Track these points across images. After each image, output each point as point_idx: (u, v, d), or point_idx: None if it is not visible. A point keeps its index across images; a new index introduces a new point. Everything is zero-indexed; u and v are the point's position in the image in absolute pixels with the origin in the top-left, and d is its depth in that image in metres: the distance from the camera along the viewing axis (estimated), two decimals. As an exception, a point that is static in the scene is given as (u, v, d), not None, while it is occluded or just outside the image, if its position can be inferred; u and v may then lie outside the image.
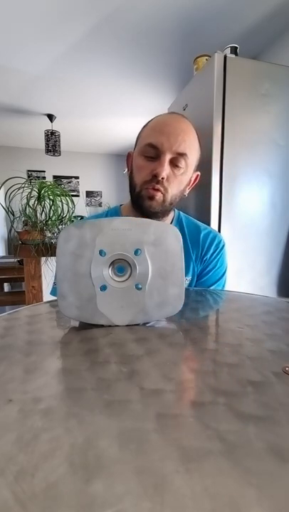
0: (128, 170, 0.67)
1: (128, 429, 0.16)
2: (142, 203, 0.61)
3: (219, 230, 1.34)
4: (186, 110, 1.54)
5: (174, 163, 0.58)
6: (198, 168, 0.66)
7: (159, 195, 0.60)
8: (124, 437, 0.16)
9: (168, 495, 0.12)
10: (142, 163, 0.60)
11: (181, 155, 0.58)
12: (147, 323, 0.34)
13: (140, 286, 0.33)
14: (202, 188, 1.39)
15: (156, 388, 0.20)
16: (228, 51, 1.41)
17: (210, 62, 1.30)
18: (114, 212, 0.74)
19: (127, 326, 0.33)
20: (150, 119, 0.64)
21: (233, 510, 0.12)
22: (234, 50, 1.41)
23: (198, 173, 0.67)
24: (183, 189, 0.64)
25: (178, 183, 0.61)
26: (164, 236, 0.34)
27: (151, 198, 0.60)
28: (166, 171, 0.57)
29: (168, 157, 0.57)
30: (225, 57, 1.25)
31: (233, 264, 1.37)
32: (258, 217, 1.39)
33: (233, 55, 1.37)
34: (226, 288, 0.73)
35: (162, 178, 0.57)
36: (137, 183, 0.61)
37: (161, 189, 0.59)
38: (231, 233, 1.35)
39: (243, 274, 1.40)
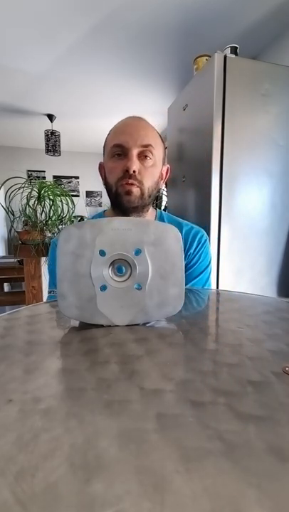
0: (103, 179, 0.70)
1: (128, 429, 0.16)
2: (120, 200, 0.64)
3: (219, 230, 1.34)
4: (186, 110, 1.54)
5: (141, 156, 0.62)
6: (165, 161, 0.71)
7: (135, 189, 0.63)
8: (124, 437, 0.16)
9: (168, 495, 0.12)
10: (112, 164, 0.64)
11: (147, 146, 0.62)
12: (147, 323, 0.34)
13: (140, 286, 0.33)
14: (202, 188, 1.39)
15: (156, 388, 0.20)
16: (228, 51, 1.41)
17: (210, 62, 1.30)
18: (99, 217, 0.77)
19: (127, 326, 0.33)
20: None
21: (233, 510, 0.12)
22: (234, 50, 1.41)
23: (168, 166, 0.72)
24: (156, 181, 0.67)
25: (150, 174, 0.64)
26: (164, 236, 0.34)
27: (128, 192, 0.63)
28: (135, 163, 0.61)
29: (135, 152, 0.61)
30: (225, 57, 1.25)
31: (233, 264, 1.38)
32: (258, 217, 1.39)
33: (233, 55, 1.37)
34: (225, 288, 0.74)
35: (134, 172, 0.61)
36: (112, 183, 0.65)
37: (136, 183, 0.62)
38: (231, 233, 1.35)
39: (243, 274, 1.40)
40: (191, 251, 0.71)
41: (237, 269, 1.39)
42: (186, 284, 0.66)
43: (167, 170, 0.72)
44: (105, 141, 0.69)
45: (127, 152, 0.61)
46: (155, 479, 0.13)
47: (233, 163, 1.31)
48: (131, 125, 0.64)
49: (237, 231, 1.36)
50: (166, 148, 0.71)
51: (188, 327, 0.33)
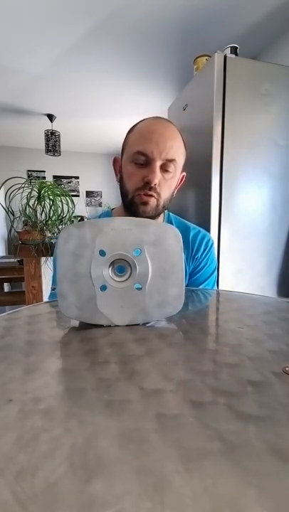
0: (117, 175, 0.68)
1: (128, 429, 0.16)
2: (135, 208, 0.62)
3: (219, 230, 1.34)
4: (186, 110, 1.54)
5: (163, 169, 0.60)
6: (184, 168, 0.68)
7: (152, 201, 0.61)
8: (124, 437, 0.16)
9: (168, 495, 0.12)
10: (133, 170, 0.61)
11: (170, 161, 0.60)
12: (147, 323, 0.34)
13: (140, 286, 0.33)
14: (202, 188, 1.39)
15: (156, 388, 0.20)
16: (228, 51, 1.41)
17: (210, 62, 1.30)
18: (106, 216, 0.76)
19: (127, 326, 0.33)
20: (135, 123, 0.65)
21: (233, 510, 0.12)
22: (234, 50, 1.41)
23: (184, 173, 0.70)
24: (173, 191, 0.66)
25: (168, 187, 0.63)
26: (164, 236, 0.34)
27: (145, 203, 0.61)
28: (158, 177, 0.59)
29: (158, 163, 0.59)
30: (225, 57, 1.25)
31: (233, 264, 1.38)
32: (258, 218, 1.39)
33: (233, 55, 1.37)
34: (225, 288, 0.74)
35: (154, 185, 0.59)
36: (129, 190, 0.63)
37: (154, 195, 0.61)
38: (231, 233, 1.35)
39: (243, 274, 1.40)
40: (198, 255, 0.71)
41: (237, 269, 1.39)
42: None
43: (182, 178, 0.70)
44: (126, 139, 0.65)
45: (150, 162, 0.59)
46: (155, 479, 0.13)
47: (233, 163, 1.31)
48: (158, 133, 0.59)
49: (237, 231, 1.36)
50: (187, 153, 0.67)
51: (188, 327, 0.33)
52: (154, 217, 0.64)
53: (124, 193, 0.65)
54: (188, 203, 1.54)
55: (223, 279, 1.36)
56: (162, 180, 0.61)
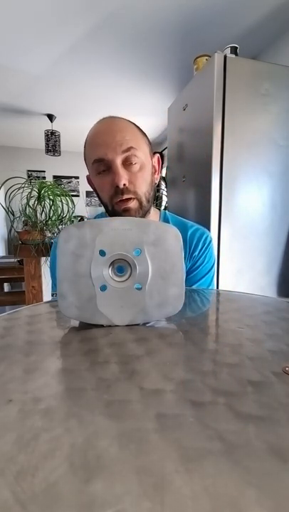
0: (94, 192, 0.66)
1: (128, 429, 0.16)
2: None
3: (219, 230, 1.34)
4: (186, 110, 1.55)
5: (127, 163, 0.57)
6: (152, 151, 0.65)
7: (132, 204, 0.58)
8: (124, 437, 0.16)
9: (168, 495, 0.12)
10: (100, 181, 0.59)
11: (128, 150, 0.56)
12: (147, 323, 0.34)
13: (140, 286, 0.33)
14: (202, 188, 1.39)
15: (156, 388, 0.20)
16: (228, 51, 1.41)
17: (210, 62, 1.30)
18: (102, 216, 0.74)
19: (127, 326, 0.33)
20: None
21: (233, 510, 0.12)
22: (234, 50, 1.41)
23: (158, 155, 0.66)
24: (151, 181, 0.62)
25: (142, 179, 0.59)
26: (164, 236, 0.34)
27: (126, 210, 0.58)
28: (123, 177, 0.56)
29: (118, 162, 0.56)
30: (225, 57, 1.25)
31: (233, 264, 1.38)
32: (257, 217, 1.39)
33: (233, 55, 1.37)
34: (225, 288, 0.74)
35: (124, 185, 0.56)
36: (106, 201, 0.60)
37: (130, 195, 0.58)
38: (231, 233, 1.35)
39: (243, 274, 1.40)
40: (196, 253, 0.69)
41: (237, 269, 1.39)
42: (190, 287, 0.66)
43: (158, 160, 0.65)
44: (84, 154, 0.63)
45: (110, 165, 0.56)
46: (155, 479, 0.13)
47: (233, 163, 1.31)
48: (104, 132, 0.57)
49: (237, 231, 1.36)
50: (150, 143, 0.64)
51: (189, 327, 0.33)
52: (143, 216, 0.62)
53: (105, 207, 0.63)
54: (189, 203, 1.54)
55: (223, 279, 1.36)
56: (131, 175, 0.57)
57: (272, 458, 0.14)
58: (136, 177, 0.58)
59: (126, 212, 0.59)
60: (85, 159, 0.64)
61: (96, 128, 0.60)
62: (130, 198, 0.58)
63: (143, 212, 0.61)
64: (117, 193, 0.57)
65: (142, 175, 0.59)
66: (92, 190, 0.68)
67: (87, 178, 0.67)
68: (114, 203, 0.59)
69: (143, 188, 0.59)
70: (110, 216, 0.63)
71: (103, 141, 0.56)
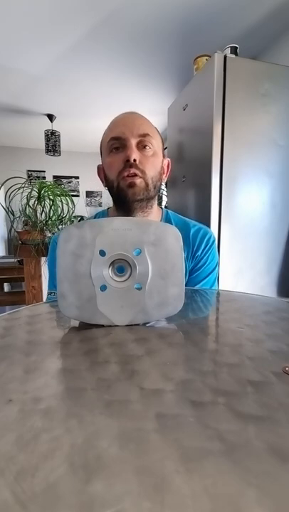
0: (103, 181, 0.68)
1: (128, 429, 0.16)
2: (124, 194, 0.60)
3: (219, 230, 1.34)
4: (186, 110, 1.55)
5: (140, 146, 0.60)
6: (165, 156, 0.68)
7: (139, 181, 0.60)
8: (124, 437, 0.16)
9: (168, 495, 0.12)
10: (112, 159, 0.61)
11: (145, 136, 0.60)
12: (147, 323, 0.34)
13: (140, 286, 0.33)
14: (202, 188, 1.39)
15: (156, 388, 0.20)
16: (228, 51, 1.41)
17: (210, 62, 1.30)
18: (102, 215, 0.75)
19: (127, 326, 0.33)
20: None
21: (233, 510, 0.12)
22: (234, 50, 1.42)
23: (169, 160, 0.69)
24: (159, 172, 0.64)
25: (152, 164, 0.61)
26: (164, 236, 0.34)
27: (132, 184, 0.60)
28: (135, 151, 0.59)
29: (133, 141, 0.59)
30: (225, 57, 1.25)
31: (233, 264, 1.38)
32: (257, 218, 1.39)
33: (233, 55, 1.37)
34: (225, 288, 0.73)
35: (134, 160, 0.58)
36: (113, 177, 0.62)
37: (138, 172, 0.59)
38: (231, 233, 1.35)
39: (243, 274, 1.40)
40: (199, 253, 0.68)
41: (237, 269, 1.39)
42: (192, 287, 0.66)
43: (168, 164, 0.69)
44: (101, 141, 0.66)
45: (125, 143, 0.59)
46: (155, 479, 0.13)
47: (233, 163, 1.31)
48: (126, 117, 0.62)
49: (237, 231, 1.36)
50: (164, 143, 0.68)
51: (189, 327, 0.33)
52: (146, 200, 0.62)
53: (110, 186, 0.64)
54: (189, 203, 1.54)
55: (223, 279, 1.36)
56: (143, 157, 0.60)
57: (272, 458, 0.14)
58: (147, 159, 0.61)
59: (131, 188, 0.60)
60: (101, 145, 0.67)
61: (119, 116, 0.64)
62: (137, 175, 0.60)
63: (147, 196, 0.62)
64: (125, 168, 0.59)
65: (153, 160, 0.62)
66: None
67: (97, 168, 0.69)
68: (120, 179, 0.60)
69: (151, 172, 0.61)
70: (114, 197, 0.64)
71: (123, 123, 0.61)
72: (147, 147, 0.60)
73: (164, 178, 0.68)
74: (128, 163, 0.58)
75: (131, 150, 0.58)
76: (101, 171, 0.68)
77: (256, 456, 0.15)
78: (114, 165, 0.61)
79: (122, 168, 0.60)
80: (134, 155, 0.58)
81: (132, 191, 0.60)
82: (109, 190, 0.65)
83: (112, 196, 0.66)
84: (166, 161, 0.68)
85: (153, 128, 0.63)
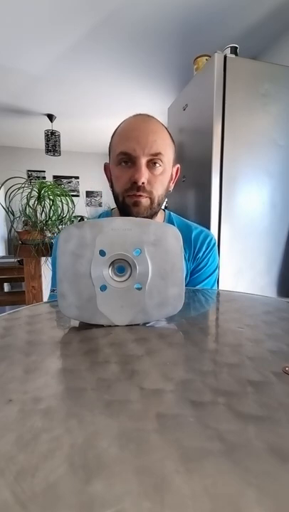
0: (108, 181, 0.67)
1: (128, 429, 0.16)
2: (129, 211, 0.61)
3: (219, 230, 1.34)
4: (186, 110, 1.55)
5: (150, 164, 0.58)
6: (176, 161, 0.67)
7: (144, 200, 0.59)
8: (124, 437, 0.16)
9: (168, 495, 0.12)
10: (119, 173, 0.60)
11: (156, 155, 0.57)
12: (147, 323, 0.34)
13: (140, 286, 0.33)
14: (202, 188, 1.39)
15: (156, 388, 0.20)
16: (228, 51, 1.41)
17: (210, 62, 1.30)
18: (106, 216, 0.75)
19: (127, 326, 0.33)
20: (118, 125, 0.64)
21: (233, 510, 0.12)
22: (234, 50, 1.41)
23: (178, 165, 0.68)
24: (166, 187, 0.64)
25: (160, 183, 0.60)
26: (164, 236, 0.34)
27: (137, 203, 0.59)
28: (144, 175, 0.57)
29: (143, 161, 0.57)
30: (225, 57, 1.25)
31: (233, 264, 1.38)
32: (257, 218, 1.39)
33: (233, 55, 1.37)
34: (225, 288, 0.74)
35: (142, 183, 0.57)
36: (119, 192, 0.61)
37: (145, 194, 0.59)
38: (231, 233, 1.35)
39: (243, 274, 1.40)
40: (200, 254, 0.69)
41: (237, 269, 1.39)
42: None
43: (177, 170, 0.68)
44: (110, 142, 0.64)
45: (135, 161, 0.57)
46: (155, 479, 0.13)
47: (233, 163, 1.31)
48: (138, 129, 0.58)
49: (237, 231, 1.36)
50: (176, 150, 0.65)
51: (189, 327, 0.33)
52: (150, 216, 0.62)
53: (115, 197, 0.64)
54: (189, 203, 1.54)
55: (223, 279, 1.36)
56: (151, 176, 0.58)
57: (272, 458, 0.14)
58: (155, 179, 0.59)
59: (136, 206, 0.60)
60: (110, 146, 0.64)
61: (131, 121, 0.61)
62: (143, 196, 0.59)
63: (151, 213, 0.62)
64: (132, 188, 0.58)
65: (162, 179, 0.60)
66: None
67: (104, 166, 0.68)
68: (126, 195, 0.60)
69: (159, 190, 0.61)
70: (119, 208, 0.64)
71: (135, 136, 0.57)
72: (157, 165, 0.58)
73: (172, 186, 0.67)
74: (135, 185, 0.57)
75: (140, 173, 0.56)
76: (108, 171, 0.67)
77: (256, 456, 0.15)
78: (121, 180, 0.60)
79: (128, 186, 0.59)
80: (143, 178, 0.56)
81: (137, 210, 0.60)
82: (114, 197, 0.65)
83: (116, 204, 0.65)
84: (176, 167, 0.67)
85: (166, 141, 0.60)
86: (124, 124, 0.61)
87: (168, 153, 0.60)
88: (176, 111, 1.67)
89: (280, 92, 1.35)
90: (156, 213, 0.65)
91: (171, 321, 0.35)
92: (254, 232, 1.39)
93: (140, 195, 0.58)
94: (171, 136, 0.63)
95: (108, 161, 0.66)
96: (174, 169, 0.66)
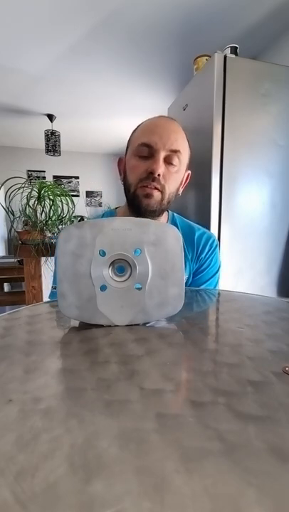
0: (121, 174, 0.68)
1: (128, 429, 0.16)
2: (138, 202, 0.61)
3: (219, 230, 1.34)
4: (186, 110, 1.54)
5: (168, 161, 0.59)
6: (189, 167, 0.68)
7: (156, 194, 0.60)
8: (124, 437, 0.16)
9: (168, 495, 0.12)
10: (136, 163, 0.61)
11: (175, 152, 0.59)
12: (147, 323, 0.34)
13: (140, 286, 0.33)
14: (202, 188, 1.39)
15: (156, 388, 0.20)
16: (228, 51, 1.41)
17: (210, 62, 1.30)
18: (110, 215, 0.75)
19: (127, 326, 0.33)
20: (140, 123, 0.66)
21: (233, 510, 0.12)
22: (234, 50, 1.41)
23: (189, 171, 0.69)
24: (178, 187, 0.65)
25: (174, 180, 0.61)
26: (164, 236, 0.34)
27: (148, 195, 0.60)
28: (161, 167, 0.58)
29: (162, 155, 0.58)
30: (225, 57, 1.25)
31: (233, 264, 1.38)
32: (257, 218, 1.39)
33: (233, 55, 1.37)
34: (225, 288, 0.74)
35: (158, 175, 0.58)
36: (132, 182, 0.62)
37: (158, 187, 0.60)
38: (231, 233, 1.35)
39: (243, 274, 1.40)
40: (203, 255, 0.70)
41: (237, 269, 1.39)
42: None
43: (188, 176, 0.69)
44: (130, 137, 0.65)
45: (154, 153, 0.58)
46: (155, 479, 0.13)
47: (233, 163, 1.31)
48: (162, 126, 0.60)
49: (237, 231, 1.36)
50: (192, 156, 0.67)
51: (189, 327, 0.33)
52: (158, 212, 0.63)
53: (127, 188, 0.64)
54: (189, 203, 1.53)
55: (223, 279, 1.35)
56: (167, 172, 0.60)
57: (272, 458, 0.14)
58: (170, 175, 0.61)
59: (147, 198, 0.60)
60: (129, 141, 0.66)
61: (155, 119, 0.63)
62: (157, 188, 0.60)
63: (160, 209, 0.63)
64: (148, 178, 0.59)
65: (175, 177, 0.62)
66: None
67: (119, 160, 0.69)
68: (139, 186, 0.61)
69: (172, 187, 0.62)
70: (128, 199, 0.65)
71: (158, 132, 0.59)
72: (174, 163, 0.60)
73: (181, 190, 0.68)
74: (151, 176, 0.58)
75: (158, 164, 0.58)
76: (122, 164, 0.67)
77: (256, 456, 0.15)
78: (137, 170, 0.60)
79: (144, 177, 0.60)
80: (160, 170, 0.58)
81: (147, 202, 0.61)
82: (125, 189, 0.66)
83: (126, 196, 0.66)
84: (187, 173, 0.68)
85: (185, 143, 0.63)
86: (147, 121, 0.64)
87: (185, 155, 0.62)
88: (176, 111, 1.67)
89: (280, 92, 1.34)
90: (164, 211, 0.66)
91: (171, 321, 0.35)
92: (254, 232, 1.39)
93: (154, 188, 0.60)
94: (189, 143, 0.65)
95: (123, 156, 0.67)
96: (186, 174, 0.67)
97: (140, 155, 0.60)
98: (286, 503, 0.12)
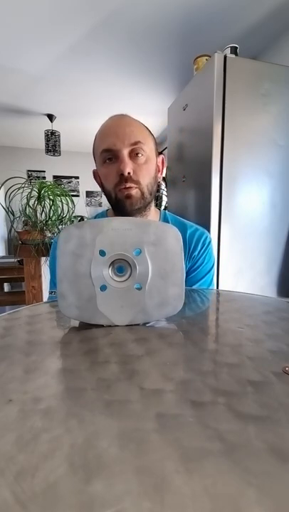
0: (99, 185, 0.69)
1: (128, 429, 0.16)
2: (122, 205, 0.62)
3: (219, 230, 1.34)
4: (186, 110, 1.54)
5: (133, 155, 0.60)
6: (158, 152, 0.69)
7: (134, 191, 0.61)
8: (124, 437, 0.16)
9: (168, 495, 0.12)
10: (106, 170, 0.62)
11: (136, 144, 0.60)
12: (147, 323, 0.34)
13: (140, 286, 0.33)
14: (202, 188, 1.39)
15: (156, 388, 0.20)
16: (228, 51, 1.41)
17: (210, 62, 1.30)
18: (102, 216, 0.76)
19: (127, 326, 0.33)
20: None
21: (233, 510, 0.12)
22: (234, 50, 1.41)
23: (163, 156, 0.70)
24: (154, 176, 0.65)
25: (146, 171, 0.62)
26: (164, 236, 0.34)
27: (128, 196, 0.61)
28: (128, 165, 0.59)
29: (125, 152, 0.59)
30: (225, 57, 1.25)
31: (233, 264, 1.38)
32: (257, 217, 1.39)
33: (233, 55, 1.37)
34: (225, 288, 0.74)
35: (129, 173, 0.59)
36: (110, 189, 0.63)
37: (133, 185, 0.60)
38: (231, 233, 1.35)
39: (243, 274, 1.40)
40: (196, 253, 0.70)
41: (237, 269, 1.39)
42: (190, 286, 0.66)
43: (162, 160, 0.69)
44: (93, 148, 0.66)
45: (118, 154, 0.59)
46: (155, 479, 0.13)
47: (233, 163, 1.31)
48: (115, 126, 0.61)
49: (237, 231, 1.36)
50: (156, 143, 0.68)
51: (189, 327, 0.33)
52: (143, 207, 0.64)
53: (108, 196, 0.65)
54: (189, 203, 1.53)
55: (223, 279, 1.36)
56: (136, 166, 0.60)
57: (272, 458, 0.14)
58: (140, 168, 0.61)
59: (128, 199, 0.61)
60: (93, 152, 0.67)
61: (107, 123, 0.64)
62: (132, 187, 0.61)
63: (144, 203, 0.63)
64: (121, 181, 0.60)
65: (147, 167, 0.62)
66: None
67: (93, 173, 0.70)
68: (117, 190, 0.62)
69: (146, 179, 0.62)
70: (112, 205, 0.66)
71: (113, 132, 0.60)
72: (140, 154, 0.60)
73: (160, 176, 0.69)
74: (123, 177, 0.59)
75: (124, 163, 0.58)
76: (97, 176, 0.69)
77: (256, 456, 0.15)
78: (109, 177, 0.62)
79: (117, 180, 0.61)
80: (128, 168, 0.59)
81: (130, 202, 0.62)
82: (107, 197, 0.67)
83: (110, 203, 0.67)
84: (160, 157, 0.69)
85: (144, 132, 0.63)
86: (101, 127, 0.64)
87: (148, 142, 0.63)
88: (176, 111, 1.67)
89: (280, 92, 1.35)
90: (149, 203, 0.66)
91: (171, 321, 0.35)
92: (254, 232, 1.39)
93: (129, 187, 0.60)
94: (148, 129, 0.66)
95: (95, 168, 0.69)
96: (159, 159, 0.68)
97: (106, 161, 0.61)
98: (286, 503, 0.12)
